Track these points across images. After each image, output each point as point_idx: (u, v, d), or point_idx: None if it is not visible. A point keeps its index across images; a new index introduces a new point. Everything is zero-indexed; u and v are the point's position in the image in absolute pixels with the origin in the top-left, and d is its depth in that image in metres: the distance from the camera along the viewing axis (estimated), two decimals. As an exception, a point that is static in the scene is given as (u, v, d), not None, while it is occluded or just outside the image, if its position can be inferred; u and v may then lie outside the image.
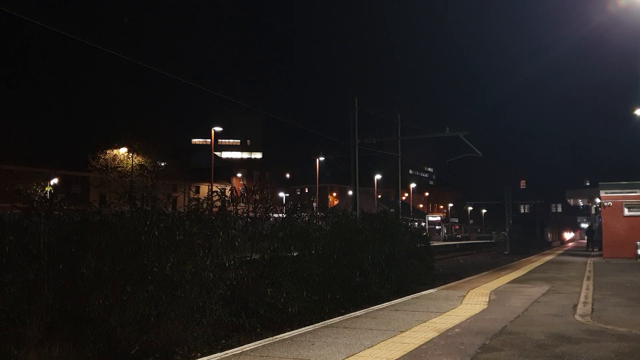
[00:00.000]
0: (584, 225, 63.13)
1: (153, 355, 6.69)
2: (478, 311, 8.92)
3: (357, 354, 5.89)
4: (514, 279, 14.76)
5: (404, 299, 10.90)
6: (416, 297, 11.02)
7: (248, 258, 9.65)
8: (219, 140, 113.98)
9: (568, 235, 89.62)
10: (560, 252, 36.05)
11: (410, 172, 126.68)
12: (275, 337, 7.03)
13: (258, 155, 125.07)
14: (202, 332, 7.33)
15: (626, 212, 23.47)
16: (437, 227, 74.27)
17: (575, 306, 9.51)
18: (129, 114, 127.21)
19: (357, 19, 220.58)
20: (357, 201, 19.69)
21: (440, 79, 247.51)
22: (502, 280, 14.51)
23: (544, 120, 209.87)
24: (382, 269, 12.74)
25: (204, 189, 62.88)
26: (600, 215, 26.98)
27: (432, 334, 6.93)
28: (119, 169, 51.76)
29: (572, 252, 33.96)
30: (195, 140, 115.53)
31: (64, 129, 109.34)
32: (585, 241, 40.01)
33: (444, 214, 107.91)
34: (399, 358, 5.71)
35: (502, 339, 6.64)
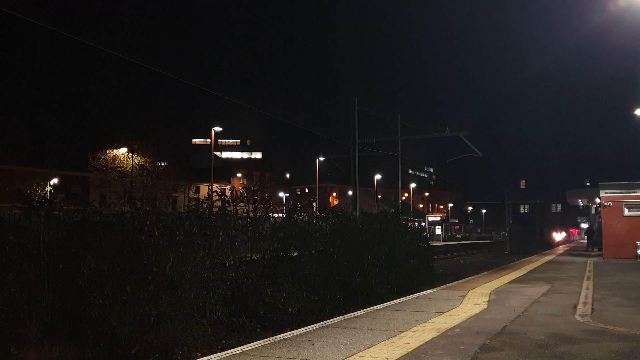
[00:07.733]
0: (584, 225, 62.59)
1: (153, 355, 6.69)
2: (478, 311, 8.92)
3: (357, 354, 5.89)
4: (514, 279, 14.75)
5: (404, 299, 10.90)
6: (416, 297, 11.02)
7: (248, 258, 9.66)
8: (219, 140, 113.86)
9: (558, 237, 69.93)
10: (560, 252, 36.05)
11: (410, 172, 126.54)
12: (275, 337, 7.03)
13: (258, 155, 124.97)
14: (202, 332, 7.33)
15: (626, 212, 23.45)
16: (437, 227, 74.20)
17: (575, 306, 9.51)
18: (129, 114, 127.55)
19: (357, 18, 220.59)
20: (357, 201, 19.71)
21: (440, 79, 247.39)
22: (502, 280, 14.50)
23: (544, 120, 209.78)
24: (382, 269, 12.74)
25: (204, 189, 62.85)
26: (600, 215, 26.96)
27: (432, 334, 6.93)
28: (119, 169, 51.77)
29: (572, 252, 33.95)
30: (195, 140, 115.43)
31: (64, 129, 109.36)
32: (585, 241, 39.97)
33: (444, 214, 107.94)
34: (399, 358, 5.71)
35: (502, 339, 6.64)
